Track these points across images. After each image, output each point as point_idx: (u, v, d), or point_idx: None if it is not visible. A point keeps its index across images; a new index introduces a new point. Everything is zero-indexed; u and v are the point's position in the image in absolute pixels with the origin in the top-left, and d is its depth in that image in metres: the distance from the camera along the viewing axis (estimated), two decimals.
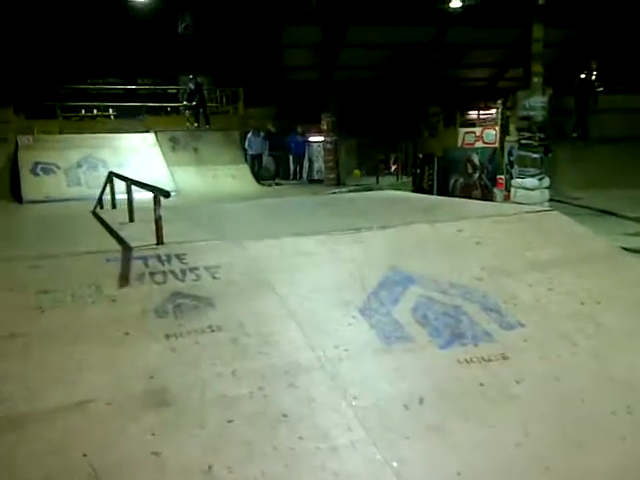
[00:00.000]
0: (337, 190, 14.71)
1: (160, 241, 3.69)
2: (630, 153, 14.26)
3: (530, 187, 10.18)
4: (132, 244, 3.66)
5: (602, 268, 4.03)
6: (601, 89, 18.36)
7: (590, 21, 21.49)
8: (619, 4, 19.78)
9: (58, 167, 14.81)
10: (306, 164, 19.60)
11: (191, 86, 17.51)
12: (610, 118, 14.09)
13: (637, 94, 17.94)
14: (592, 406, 2.84)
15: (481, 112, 16.34)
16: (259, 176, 17.58)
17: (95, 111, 19.14)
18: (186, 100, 17.79)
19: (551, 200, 10.46)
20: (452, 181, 13.90)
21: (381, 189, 11.96)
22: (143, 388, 2.58)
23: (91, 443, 2.28)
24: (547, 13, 10.68)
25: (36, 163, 14.59)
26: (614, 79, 20.93)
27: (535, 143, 10.27)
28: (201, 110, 17.53)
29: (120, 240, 3.88)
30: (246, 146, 17.68)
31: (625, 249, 4.68)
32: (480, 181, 13.03)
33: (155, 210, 3.73)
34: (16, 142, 14.96)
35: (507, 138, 12.03)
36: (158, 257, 3.49)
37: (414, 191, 12.66)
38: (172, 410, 2.50)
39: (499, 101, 14.15)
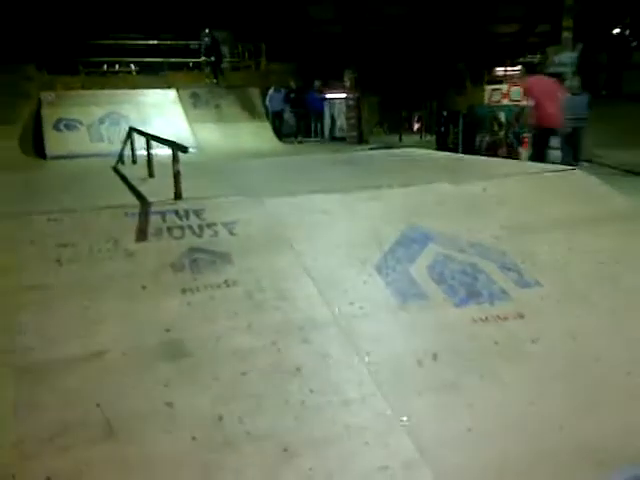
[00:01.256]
0: (359, 148, 14.57)
1: (178, 196, 3.70)
2: None
3: (555, 146, 9.97)
4: (150, 199, 3.67)
5: (623, 228, 3.95)
6: (635, 44, 17.76)
7: None
8: None
9: (81, 123, 14.88)
10: (328, 121, 19.38)
11: (207, 41, 17.28)
12: (638, 76, 13.62)
13: None
14: (607, 366, 2.82)
15: (508, 68, 15.93)
16: (281, 133, 17.46)
17: (117, 67, 19.08)
18: (204, 55, 17.59)
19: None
20: (478, 139, 13.67)
21: (404, 147, 11.80)
22: (159, 340, 2.62)
23: (106, 393, 2.33)
24: None
25: (59, 119, 14.67)
26: None
27: None
28: (218, 66, 17.32)
29: (139, 195, 3.89)
30: (267, 102, 17.53)
31: None
32: (506, 139, 12.79)
33: (173, 165, 3.73)
34: (39, 99, 15.01)
35: None
36: (176, 212, 3.50)
37: (438, 149, 12.48)
38: (186, 362, 2.53)
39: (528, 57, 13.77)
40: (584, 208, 4.13)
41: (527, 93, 9.96)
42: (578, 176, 4.72)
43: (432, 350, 2.75)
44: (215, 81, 17.40)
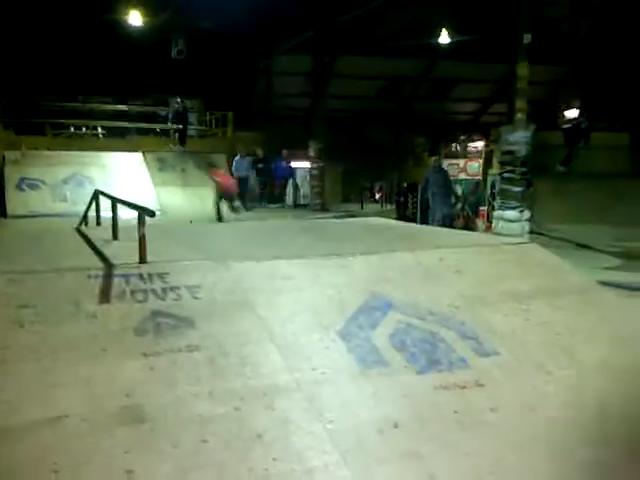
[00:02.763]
0: (322, 215, 14.79)
1: (143, 260, 3.70)
2: (610, 189, 14.54)
3: (511, 219, 10.35)
4: (114, 262, 3.67)
5: (578, 301, 4.10)
6: (586, 125, 18.77)
7: (578, 60, 22.06)
8: (606, 44, 20.34)
9: (44, 183, 14.77)
10: (290, 189, 19.73)
11: (177, 107, 17.60)
12: (592, 154, 14.38)
13: (618, 132, 18.36)
14: (566, 436, 2.88)
15: (465, 145, 16.63)
16: (245, 199, 17.61)
17: (84, 129, 19.17)
18: (171, 121, 17.87)
19: (531, 232, 10.63)
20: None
21: (366, 216, 12.04)
22: (119, 405, 2.58)
23: (65, 459, 2.27)
24: (533, 51, 10.96)
25: (22, 178, 14.54)
26: (598, 116, 21.41)
27: (517, 177, 10.47)
28: (184, 133, 17.61)
29: (103, 257, 3.88)
30: (233, 169, 17.76)
31: (601, 283, 4.77)
32: (463, 211, 13.19)
33: (139, 229, 3.75)
34: (3, 157, 14.92)
35: (490, 171, 12.24)
36: (140, 275, 3.50)
37: (398, 219, 12.77)
38: (147, 428, 2.49)
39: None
40: (539, 280, 4.28)
41: None
42: (533, 249, 4.90)
43: (394, 418, 2.77)
44: (181, 148, 17.62)
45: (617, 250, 10.45)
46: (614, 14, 19.39)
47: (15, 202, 13.84)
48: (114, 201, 4.85)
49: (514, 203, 10.44)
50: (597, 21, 20.53)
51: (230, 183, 14.49)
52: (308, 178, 18.76)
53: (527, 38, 10.52)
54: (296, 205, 19.24)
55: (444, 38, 19.19)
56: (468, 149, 15.84)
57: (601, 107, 21.34)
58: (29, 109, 17.47)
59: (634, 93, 19.92)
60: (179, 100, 17.56)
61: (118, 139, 18.14)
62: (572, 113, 15.93)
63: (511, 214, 10.38)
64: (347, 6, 16.29)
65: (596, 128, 20.68)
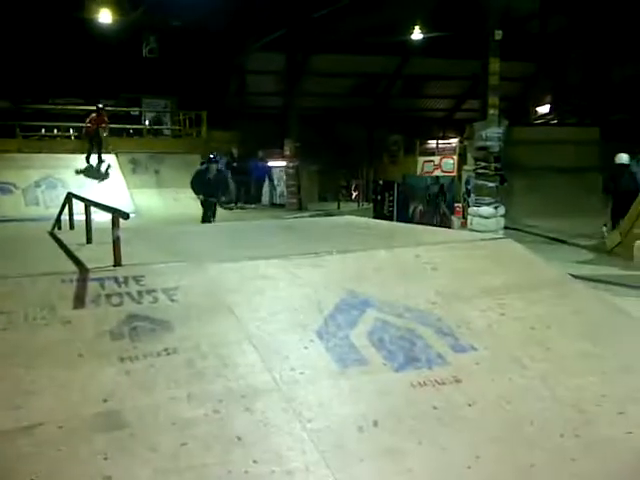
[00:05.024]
0: (298, 215, 14.80)
1: (118, 263, 3.66)
2: (581, 183, 14.78)
3: (486, 215, 10.47)
4: (89, 265, 3.63)
5: (552, 295, 4.15)
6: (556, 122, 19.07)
7: (548, 56, 22.36)
8: (575, 40, 20.64)
9: (16, 187, 14.55)
10: (266, 188, 19.69)
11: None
12: (564, 149, 14.60)
13: (588, 127, 18.66)
14: (541, 429, 2.92)
15: (440, 141, 16.74)
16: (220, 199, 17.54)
17: (55, 131, 18.91)
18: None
19: (506, 228, 10.77)
20: (412, 208, 14.15)
21: (342, 215, 12.07)
22: (96, 411, 2.55)
23: (41, 467, 2.24)
24: (504, 48, 11.09)
25: None
26: (568, 111, 21.77)
27: (491, 172, 10.60)
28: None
29: (77, 261, 3.84)
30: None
31: (574, 276, 4.84)
32: (439, 208, 13.29)
33: (113, 232, 3.71)
34: None
35: (465, 167, 12.35)
36: (115, 279, 3.46)
37: (375, 217, 12.83)
38: (125, 433, 2.47)
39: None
40: (514, 275, 4.33)
41: None
42: (508, 244, 4.96)
43: (373, 416, 2.78)
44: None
45: (590, 243, 10.62)
46: (583, 11, 19.68)
47: None
48: (87, 204, 4.79)
49: (489, 199, 10.57)
50: (566, 17, 20.83)
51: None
52: (284, 177, 18.74)
53: (498, 34, 10.64)
54: (273, 204, 19.22)
55: (417, 35, 19.31)
56: (442, 146, 15.98)
57: (571, 102, 21.70)
58: None
59: (603, 88, 20.26)
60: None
61: None
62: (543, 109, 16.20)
63: (486, 210, 10.50)
64: (320, 4, 16.30)
65: (566, 123, 21.04)
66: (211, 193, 11.65)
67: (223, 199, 14.40)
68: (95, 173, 15.59)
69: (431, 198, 13.40)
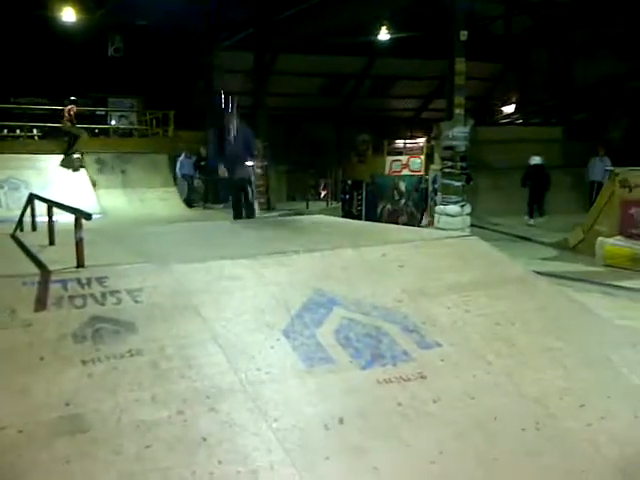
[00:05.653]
0: (267, 214, 14.77)
1: (81, 264, 3.61)
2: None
3: (452, 214, 10.59)
4: (51, 267, 3.57)
5: (516, 291, 4.22)
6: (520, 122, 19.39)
7: (513, 56, 22.72)
8: (540, 41, 20.99)
9: None
10: None
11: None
12: (528, 148, 14.85)
13: (552, 126, 19.02)
14: (504, 423, 2.96)
15: (408, 141, 16.85)
16: (189, 199, 17.42)
17: (18, 131, 18.52)
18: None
19: (472, 226, 10.91)
20: (380, 207, 14.23)
21: (311, 214, 12.08)
22: (57, 415, 2.51)
23: (1, 473, 2.20)
24: (470, 48, 11.22)
25: None
26: (533, 111, 22.16)
27: (457, 172, 10.74)
28: None
29: (39, 263, 3.77)
30: (177, 169, 17.51)
31: (538, 273, 4.93)
32: (406, 207, 13.40)
33: (76, 233, 3.65)
34: None
35: (432, 166, 12.47)
36: (78, 280, 3.41)
37: (343, 216, 12.87)
38: (87, 437, 2.44)
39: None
40: (479, 272, 4.39)
41: None
42: (473, 242, 5.02)
43: (339, 414, 2.79)
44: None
45: (553, 241, 10.82)
46: (546, 12, 20.03)
47: None
48: (49, 204, 4.70)
49: (455, 198, 10.69)
50: (531, 19, 21.18)
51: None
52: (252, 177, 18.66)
53: (463, 35, 10.77)
54: None
55: (383, 35, 19.42)
56: (409, 145, 16.09)
57: (535, 102, 22.09)
58: None
59: (566, 88, 20.66)
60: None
61: (55, 141, 17.59)
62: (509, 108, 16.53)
63: (452, 209, 10.62)
64: (287, 4, 16.27)
65: (531, 123, 21.40)
66: None
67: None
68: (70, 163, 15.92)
69: (400, 197, 13.52)
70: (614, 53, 18.47)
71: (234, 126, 8.26)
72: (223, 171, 8.08)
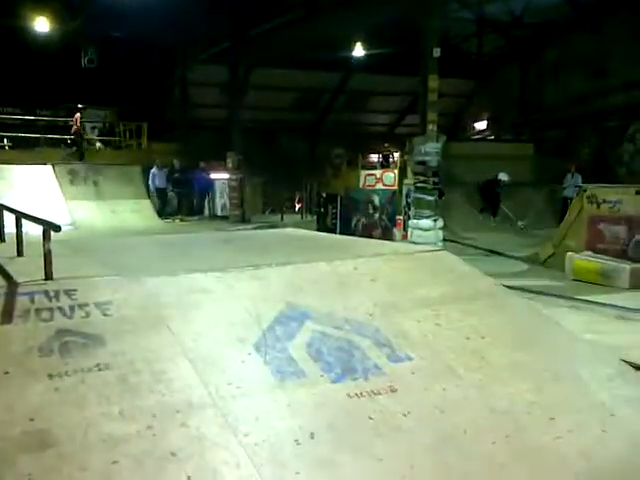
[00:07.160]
0: (241, 227, 14.72)
1: (49, 276, 3.55)
2: (517, 197, 15.29)
3: (425, 228, 10.67)
4: (18, 279, 3.50)
5: (486, 305, 4.26)
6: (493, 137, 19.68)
7: (485, 74, 23.10)
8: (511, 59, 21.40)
9: None
10: (209, 201, 19.54)
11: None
12: (501, 165, 15.08)
13: (523, 142, 19.36)
14: (474, 437, 2.98)
15: (382, 155, 16.98)
16: (162, 211, 17.30)
17: None
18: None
19: (445, 240, 11.00)
20: (354, 221, 14.28)
21: (286, 227, 12.08)
22: (21, 431, 2.45)
23: None
24: (443, 65, 11.38)
25: None
26: (506, 128, 22.54)
27: (430, 186, 10.83)
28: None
29: (6, 275, 3.70)
30: (150, 181, 17.40)
31: (508, 287, 4.99)
32: (380, 221, 13.47)
33: (44, 244, 3.60)
34: None
35: (405, 181, 12.56)
36: (45, 293, 3.35)
37: (318, 230, 12.89)
38: (53, 453, 2.39)
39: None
40: (450, 287, 4.42)
41: None
42: (444, 256, 5.06)
43: (310, 428, 2.78)
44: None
45: (524, 255, 10.97)
46: (518, 31, 20.46)
47: None
48: (17, 215, 4.63)
49: (428, 212, 10.78)
50: (503, 37, 21.59)
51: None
52: (227, 190, 18.62)
53: (436, 52, 10.91)
54: (216, 217, 19.04)
55: (358, 51, 19.61)
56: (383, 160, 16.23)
57: (507, 119, 22.47)
58: None
59: (538, 106, 21.07)
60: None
61: (27, 151, 17.35)
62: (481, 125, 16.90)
63: (425, 223, 10.70)
64: (263, 18, 16.34)
65: (503, 139, 21.74)
66: None
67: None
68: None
69: (374, 210, 13.60)
70: (582, 73, 18.92)
71: None
72: None
